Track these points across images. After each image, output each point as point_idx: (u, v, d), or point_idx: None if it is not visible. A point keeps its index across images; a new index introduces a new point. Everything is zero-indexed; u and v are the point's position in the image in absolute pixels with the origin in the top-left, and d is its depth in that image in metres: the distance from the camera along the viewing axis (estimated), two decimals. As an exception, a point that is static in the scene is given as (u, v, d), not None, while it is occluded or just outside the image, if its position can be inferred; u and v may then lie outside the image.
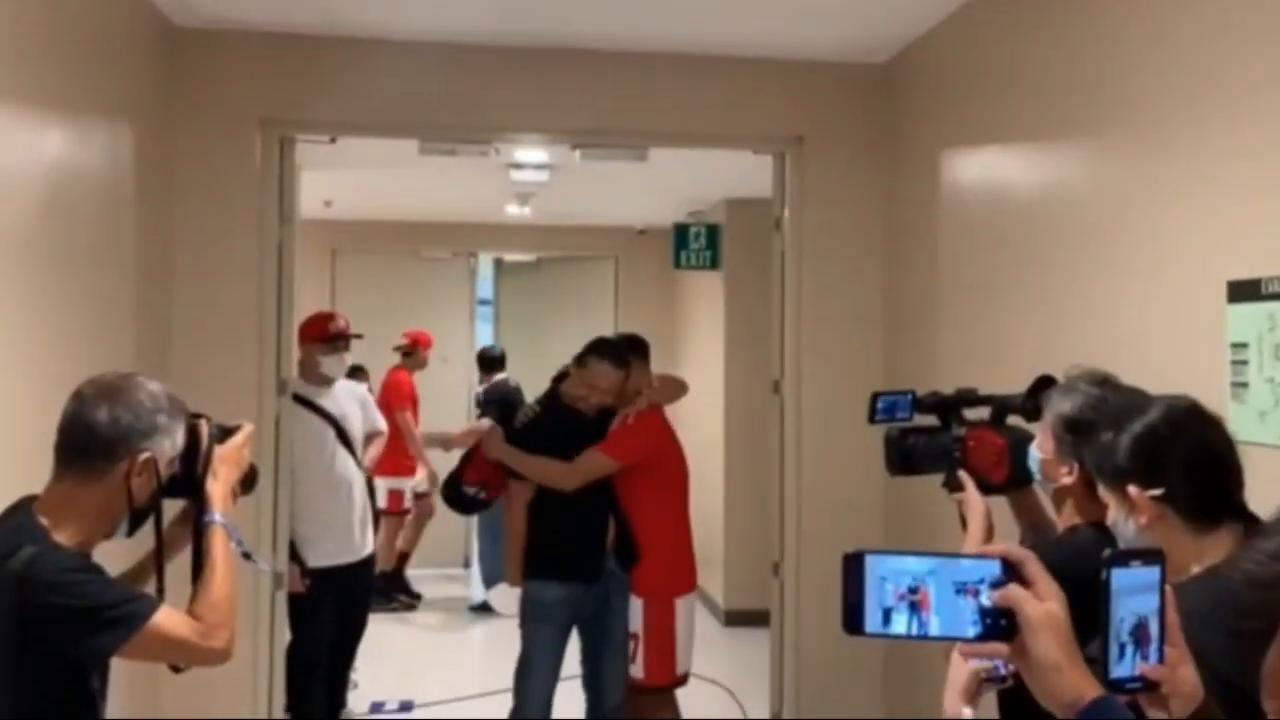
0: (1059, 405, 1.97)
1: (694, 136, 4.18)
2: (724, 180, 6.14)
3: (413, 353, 6.92)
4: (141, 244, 3.41)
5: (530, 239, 8.41)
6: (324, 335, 4.18)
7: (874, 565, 1.02)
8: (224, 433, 1.90)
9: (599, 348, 3.70)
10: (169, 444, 1.80)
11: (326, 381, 4.18)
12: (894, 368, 4.01)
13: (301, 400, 4.07)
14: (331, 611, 4.07)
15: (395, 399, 6.58)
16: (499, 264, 9.02)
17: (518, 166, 5.34)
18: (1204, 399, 1.59)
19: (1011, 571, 1.02)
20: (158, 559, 1.85)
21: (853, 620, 1.03)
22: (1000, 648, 1.02)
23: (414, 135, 4.10)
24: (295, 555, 3.97)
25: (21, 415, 2.38)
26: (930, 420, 2.40)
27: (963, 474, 2.18)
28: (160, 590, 1.82)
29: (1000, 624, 1.01)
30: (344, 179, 6.10)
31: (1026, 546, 1.92)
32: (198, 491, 1.85)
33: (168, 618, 1.73)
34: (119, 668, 1.81)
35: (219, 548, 1.83)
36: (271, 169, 3.85)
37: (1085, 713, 0.98)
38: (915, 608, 1.01)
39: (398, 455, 6.34)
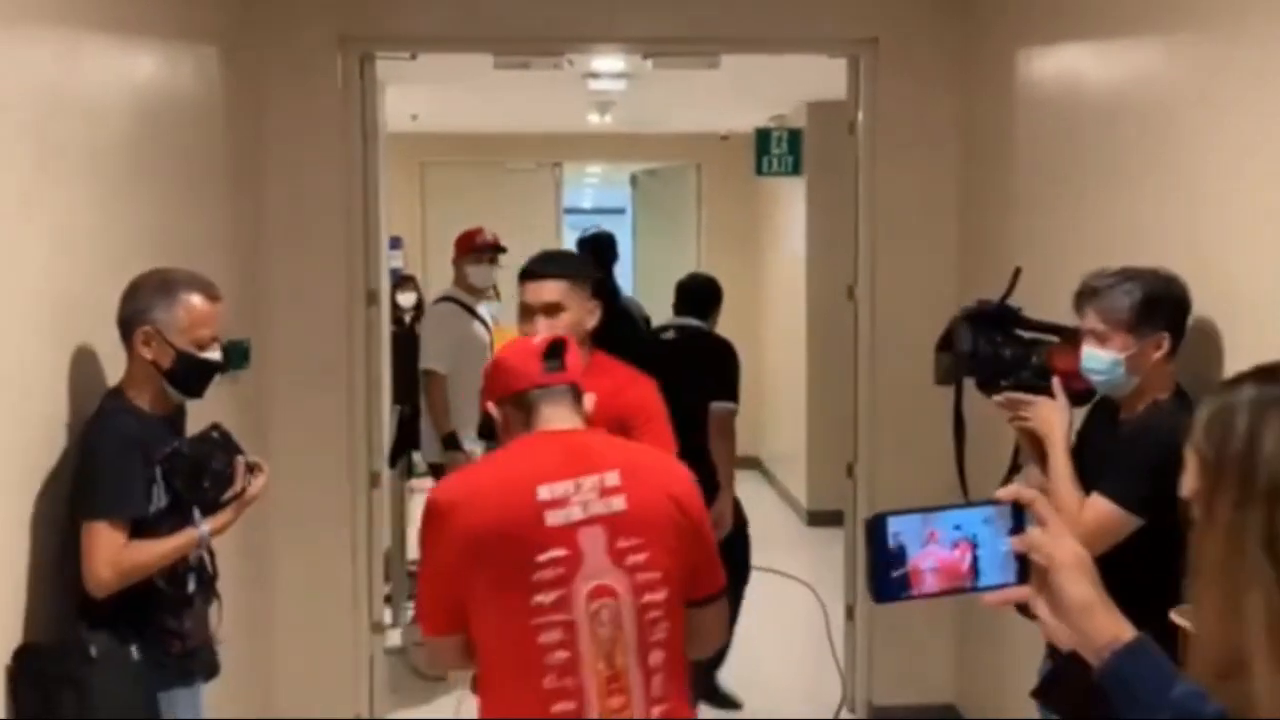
0: (1119, 299, 2.08)
1: (766, 42, 4.15)
2: (806, 83, 6.05)
3: None
4: (231, 164, 3.58)
5: (613, 148, 8.44)
6: (471, 247, 4.61)
7: (895, 527, 0.99)
8: (249, 468, 2.38)
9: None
10: (166, 316, 2.27)
11: (476, 291, 4.60)
12: (969, 274, 3.99)
13: (463, 306, 4.51)
14: None
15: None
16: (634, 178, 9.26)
17: (595, 76, 5.37)
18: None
19: (1023, 514, 1.01)
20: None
21: (879, 588, 1.00)
22: (1023, 592, 1.01)
23: (487, 49, 4.17)
24: (459, 445, 4.27)
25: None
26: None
27: (1056, 382, 2.24)
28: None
29: (1020, 569, 1.00)
30: (429, 93, 6.21)
31: (1134, 427, 2.09)
32: (211, 507, 2.33)
33: (103, 537, 2.14)
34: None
35: (180, 542, 2.26)
36: (353, 86, 3.97)
37: (1125, 653, 0.95)
38: (932, 564, 0.99)
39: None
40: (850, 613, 4.29)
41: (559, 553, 1.77)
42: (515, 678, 1.80)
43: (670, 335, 4.36)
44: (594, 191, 13.03)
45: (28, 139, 2.22)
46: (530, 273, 2.56)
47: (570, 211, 10.22)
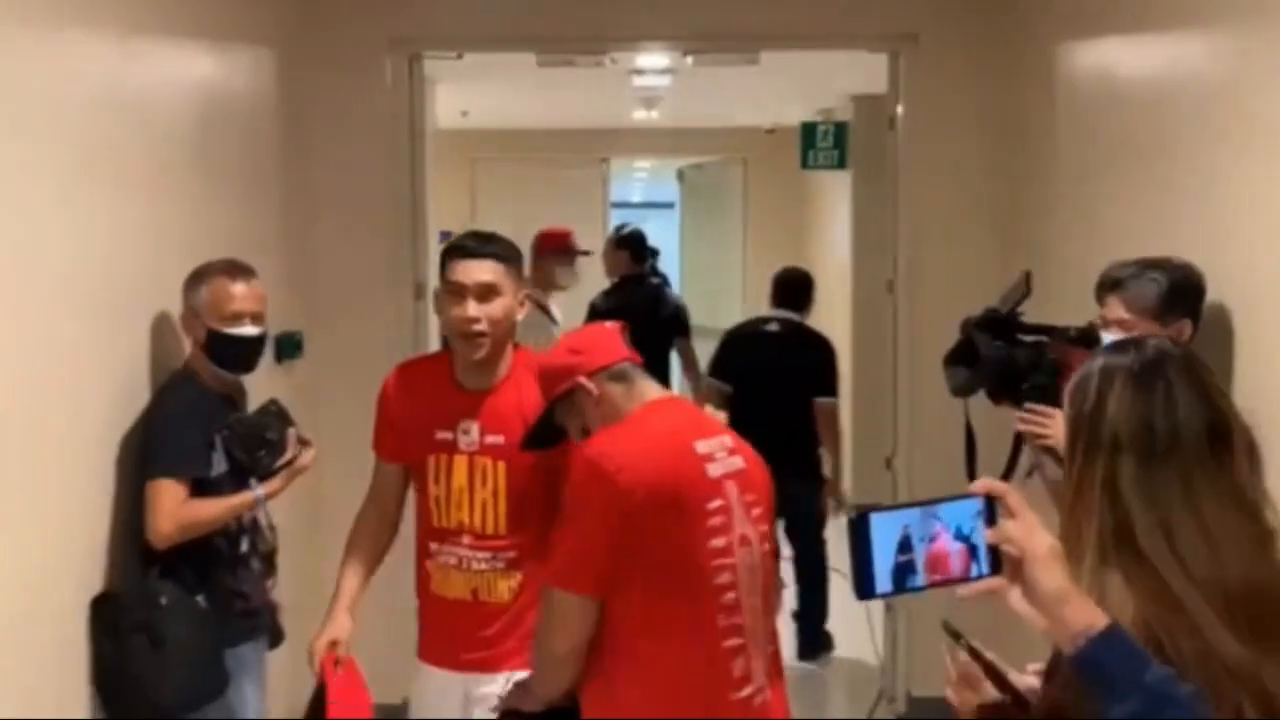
0: (1146, 288, 2.11)
1: (806, 38, 4.18)
2: (852, 77, 6.05)
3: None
4: (284, 161, 3.71)
5: (660, 142, 8.50)
6: (564, 248, 4.66)
7: (876, 524, 1.00)
8: (300, 441, 2.58)
9: None
10: (197, 299, 2.49)
11: (551, 289, 4.67)
12: (1009, 269, 3.99)
13: (538, 304, 4.52)
14: None
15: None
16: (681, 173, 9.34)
17: (639, 72, 5.43)
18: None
19: (994, 507, 1.03)
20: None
21: (864, 584, 1.00)
22: (996, 583, 1.03)
23: (531, 48, 4.26)
24: None
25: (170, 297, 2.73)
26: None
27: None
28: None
29: (993, 561, 1.02)
30: (479, 90, 6.32)
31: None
32: (266, 473, 2.51)
33: (166, 493, 2.33)
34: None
35: (236, 502, 2.45)
36: (402, 86, 4.08)
37: (1099, 640, 0.98)
38: (918, 559, 1.00)
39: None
40: (889, 604, 4.31)
41: (719, 501, 1.91)
42: (691, 621, 1.89)
43: (774, 328, 4.60)
44: (643, 186, 13.09)
45: (98, 135, 2.39)
46: (463, 249, 2.28)
47: (619, 206, 10.30)
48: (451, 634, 2.34)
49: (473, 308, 2.22)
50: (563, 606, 1.86)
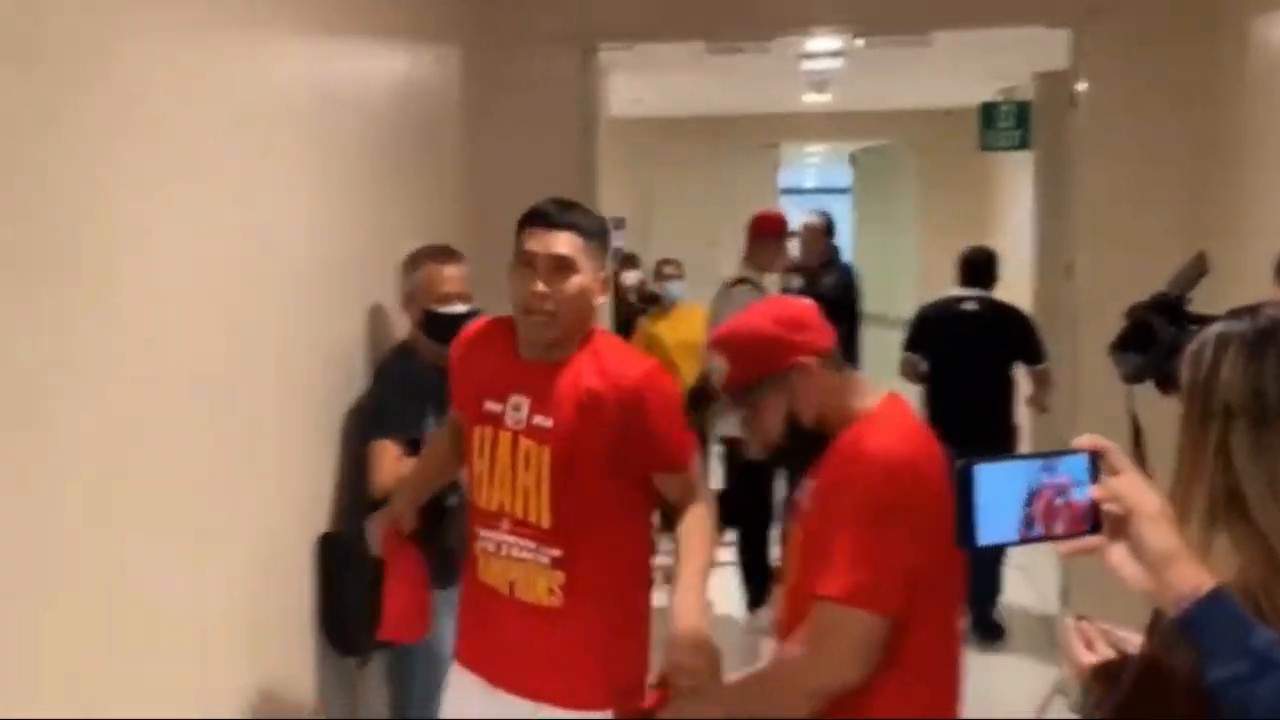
0: None
1: (980, 16, 4.08)
2: (1035, 54, 5.84)
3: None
4: (467, 152, 3.93)
5: (831, 126, 8.42)
6: (780, 231, 4.77)
7: (982, 475, 1.01)
8: None
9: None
10: (413, 283, 2.79)
11: (765, 272, 4.76)
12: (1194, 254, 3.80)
13: (756, 287, 4.66)
14: None
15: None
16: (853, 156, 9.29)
17: (810, 56, 5.41)
18: None
19: (1099, 463, 1.04)
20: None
21: (965, 533, 1.01)
22: (1096, 541, 1.04)
23: (699, 37, 4.33)
24: None
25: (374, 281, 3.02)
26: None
27: None
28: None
29: (1093, 518, 1.02)
30: (650, 79, 6.43)
31: None
32: None
33: (386, 452, 2.61)
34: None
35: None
36: (576, 78, 4.23)
37: (1205, 601, 0.98)
38: (1025, 512, 1.01)
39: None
40: (1065, 596, 4.19)
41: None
42: (950, 629, 1.77)
43: (971, 305, 4.77)
44: (816, 171, 12.97)
45: (312, 129, 2.63)
46: (542, 216, 1.99)
47: (790, 192, 10.25)
48: (486, 631, 2.05)
49: (542, 283, 1.93)
50: (861, 629, 1.59)
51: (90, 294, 1.73)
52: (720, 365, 1.77)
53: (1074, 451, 1.04)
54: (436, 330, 2.71)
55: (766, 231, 4.72)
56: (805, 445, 1.75)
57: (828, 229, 5.32)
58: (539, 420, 1.97)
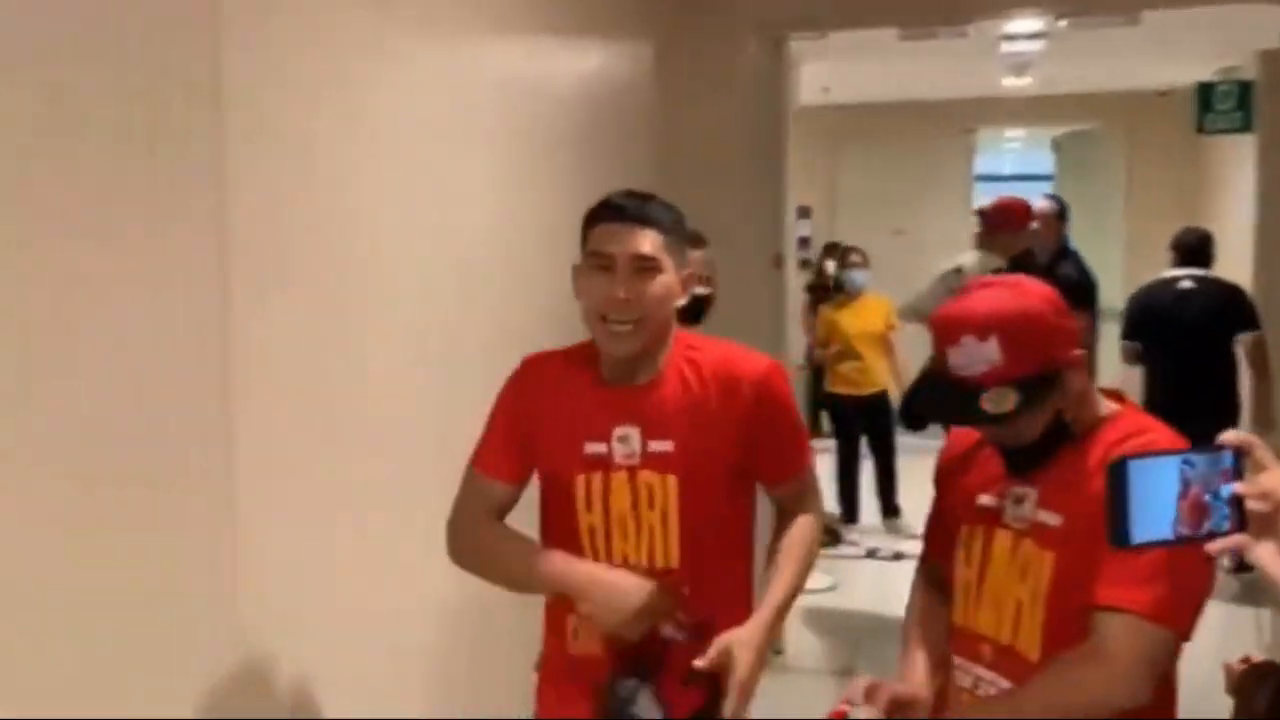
0: None
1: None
2: (1259, 29, 5.43)
3: None
4: (660, 144, 4.00)
5: (1031, 111, 8.07)
6: (1025, 219, 4.46)
7: (1135, 472, 0.99)
8: None
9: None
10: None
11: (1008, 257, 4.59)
12: None
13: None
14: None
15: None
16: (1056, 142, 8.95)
17: (1009, 38, 5.21)
18: None
19: (1241, 460, 1.00)
20: None
21: (1119, 531, 0.99)
22: (1243, 539, 1.00)
23: (893, 23, 4.24)
24: None
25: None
26: None
27: None
28: None
29: (1238, 516, 0.99)
30: (839, 67, 6.33)
31: None
32: None
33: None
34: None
35: None
36: (767, 68, 4.23)
37: None
38: (1172, 510, 0.99)
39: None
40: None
41: None
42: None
43: (1187, 284, 4.66)
44: (1015, 157, 12.46)
45: (509, 123, 2.71)
46: (617, 210, 1.74)
47: (986, 179, 9.89)
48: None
49: (623, 286, 1.68)
50: (1160, 646, 1.48)
51: (345, 296, 1.88)
52: (981, 353, 1.51)
53: (1219, 448, 1.01)
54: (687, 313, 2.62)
55: (1013, 219, 4.45)
56: (1039, 447, 1.57)
57: (1061, 214, 5.06)
58: (657, 446, 1.71)
